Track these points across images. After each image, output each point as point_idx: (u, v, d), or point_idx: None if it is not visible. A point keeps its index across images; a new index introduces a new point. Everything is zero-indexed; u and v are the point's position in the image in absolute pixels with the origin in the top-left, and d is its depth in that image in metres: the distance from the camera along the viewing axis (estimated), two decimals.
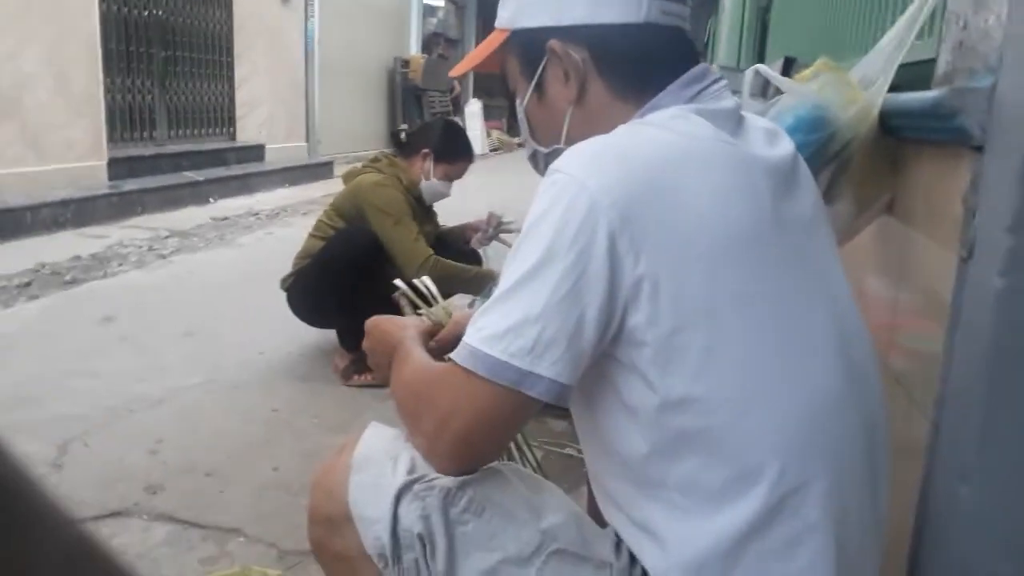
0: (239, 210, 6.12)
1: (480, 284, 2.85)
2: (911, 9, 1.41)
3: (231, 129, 8.02)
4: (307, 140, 9.00)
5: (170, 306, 3.65)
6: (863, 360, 0.94)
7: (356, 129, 10.26)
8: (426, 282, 1.46)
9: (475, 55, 1.11)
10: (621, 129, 0.92)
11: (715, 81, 0.97)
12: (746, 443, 0.83)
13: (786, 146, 0.98)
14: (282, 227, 5.71)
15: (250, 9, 7.85)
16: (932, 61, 1.45)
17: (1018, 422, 1.00)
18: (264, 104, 8.14)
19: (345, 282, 2.74)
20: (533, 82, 1.01)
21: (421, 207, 3.04)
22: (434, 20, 13.82)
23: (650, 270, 0.80)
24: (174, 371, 2.82)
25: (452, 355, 0.87)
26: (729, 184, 0.86)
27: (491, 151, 12.22)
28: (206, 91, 7.62)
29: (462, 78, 12.66)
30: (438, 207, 3.19)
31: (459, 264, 2.85)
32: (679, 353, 0.82)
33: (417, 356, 1.05)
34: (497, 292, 0.85)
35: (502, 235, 3.19)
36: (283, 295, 3.01)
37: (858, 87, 1.38)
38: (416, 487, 0.93)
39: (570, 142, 0.99)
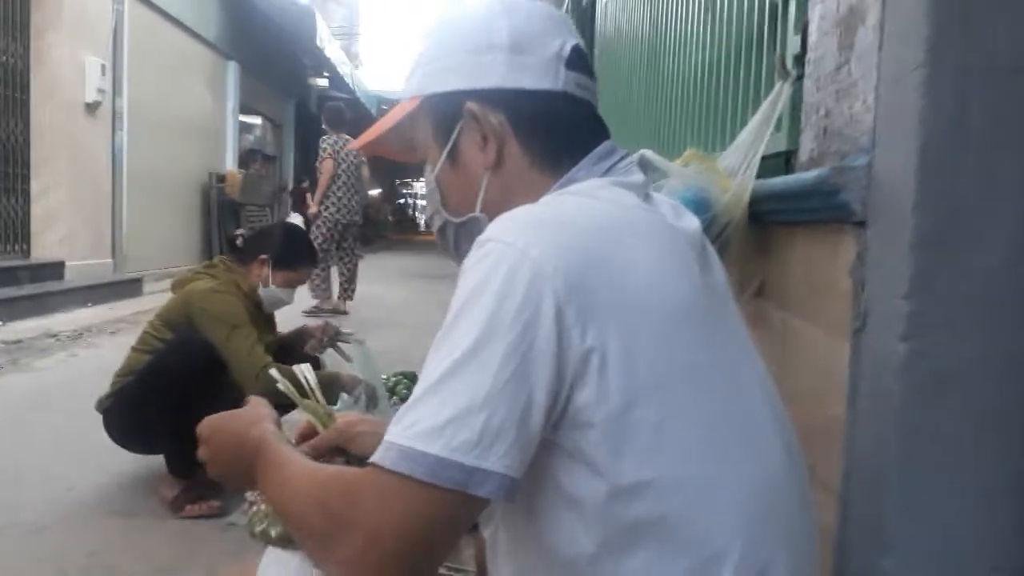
0: (34, 332, 5.48)
1: (327, 390, 2.66)
2: (765, 104, 1.50)
3: (25, 245, 7.30)
4: (113, 256, 8.35)
5: None
6: (791, 434, 0.92)
7: (168, 244, 9.69)
8: (305, 372, 1.32)
9: (379, 125, 1.05)
10: (547, 199, 0.88)
11: (623, 157, 0.96)
12: (705, 527, 0.77)
13: (692, 220, 0.97)
14: (86, 348, 5.17)
15: (50, 119, 7.32)
16: (779, 155, 1.56)
17: (936, 486, 1.01)
18: (64, 219, 7.49)
19: (177, 398, 2.45)
20: (448, 147, 0.95)
21: (261, 315, 2.85)
22: (251, 137, 13.63)
23: (598, 342, 0.74)
24: None
25: (374, 458, 0.73)
26: (665, 253, 0.83)
27: None
28: None
29: (282, 192, 12.49)
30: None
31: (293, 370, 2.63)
32: (630, 432, 0.75)
33: (299, 459, 0.89)
34: (425, 381, 0.74)
35: (340, 345, 3.04)
36: (94, 421, 2.66)
37: (725, 176, 1.44)
38: None
39: (485, 210, 0.94)
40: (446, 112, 0.95)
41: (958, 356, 0.99)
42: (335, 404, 2.63)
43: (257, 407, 1.05)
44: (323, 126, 7.43)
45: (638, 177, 0.94)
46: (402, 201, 39.04)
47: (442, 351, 0.74)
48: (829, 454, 1.18)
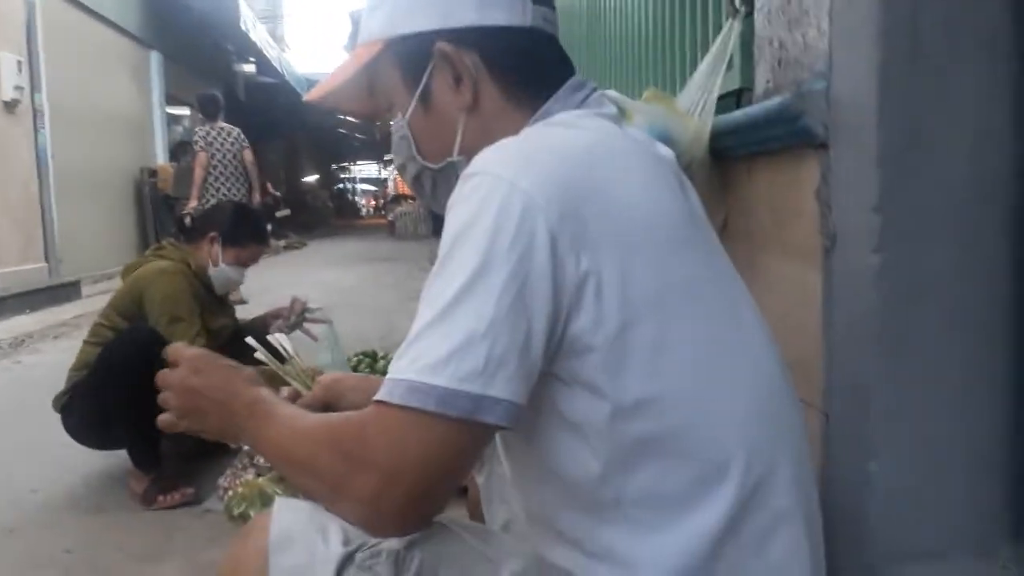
0: None
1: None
2: (717, 42, 1.52)
3: None
4: (47, 260, 8.06)
5: None
6: (778, 347, 0.94)
7: (104, 245, 9.36)
8: (281, 340, 1.31)
9: (335, 76, 1.01)
10: (530, 131, 0.88)
11: (594, 89, 0.96)
12: (709, 438, 0.78)
13: (667, 150, 0.98)
14: (30, 355, 5.00)
15: None
16: (730, 93, 1.58)
17: (915, 392, 1.05)
18: None
19: (132, 389, 2.35)
20: (418, 92, 0.94)
21: (212, 297, 2.77)
22: (180, 129, 13.25)
23: (593, 267, 0.74)
24: None
25: (380, 395, 0.73)
26: (652, 176, 0.84)
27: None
28: None
29: None
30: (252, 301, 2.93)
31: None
32: (630, 352, 0.76)
33: (300, 410, 0.88)
34: (424, 314, 0.74)
35: (306, 324, 2.98)
36: (51, 423, 2.58)
37: (686, 114, 1.46)
38: (358, 556, 0.77)
39: (463, 152, 0.93)
40: (414, 54, 0.93)
41: (931, 264, 1.03)
42: None
43: (247, 369, 1.01)
44: (199, 115, 7.23)
45: (611, 108, 0.95)
46: (340, 186, 38.49)
47: (437, 285, 0.74)
48: (808, 374, 1.21)
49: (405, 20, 0.92)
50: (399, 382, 0.72)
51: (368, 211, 39.60)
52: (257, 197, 7.28)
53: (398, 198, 22.01)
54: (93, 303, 6.98)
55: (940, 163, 1.04)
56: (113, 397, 2.40)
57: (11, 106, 7.43)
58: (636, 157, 0.85)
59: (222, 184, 6.96)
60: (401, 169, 1.04)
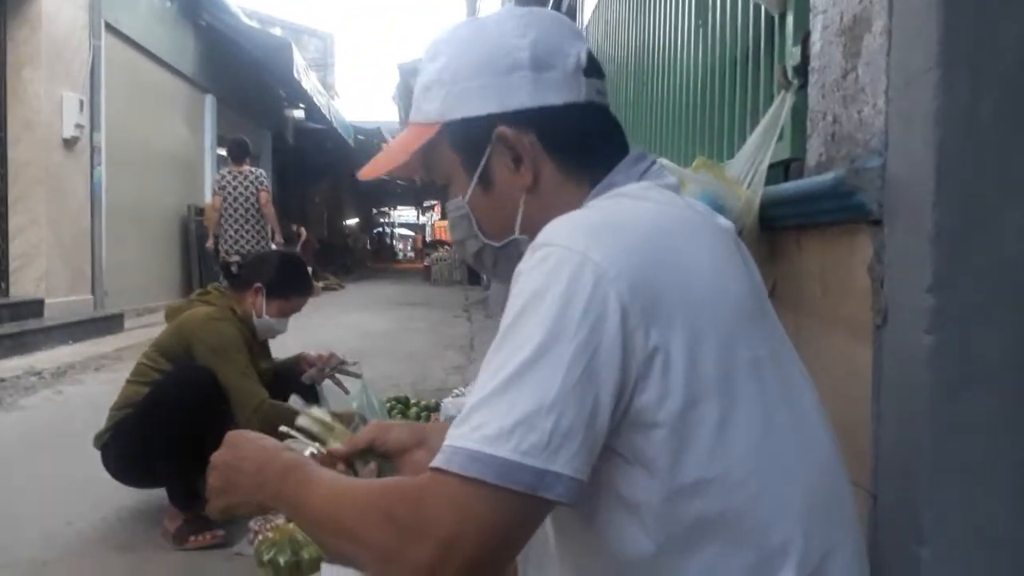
0: (16, 371, 5.38)
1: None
2: (769, 114, 1.53)
3: (3, 284, 7.21)
4: (93, 293, 8.25)
5: None
6: (831, 425, 0.93)
7: (149, 279, 9.61)
8: (322, 415, 1.31)
9: (392, 155, 1.01)
10: (599, 203, 0.88)
11: (654, 161, 0.97)
12: (769, 520, 0.77)
13: (726, 221, 0.98)
14: (72, 385, 5.09)
15: (28, 157, 7.27)
16: (778, 163, 1.59)
17: (967, 476, 1.03)
18: (43, 256, 7.41)
19: (179, 428, 2.42)
20: (477, 173, 0.94)
21: (256, 341, 2.82)
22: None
23: (662, 342, 0.74)
24: None
25: (436, 463, 0.72)
26: (717, 250, 0.84)
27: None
28: None
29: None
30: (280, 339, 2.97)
31: (294, 408, 2.58)
32: (693, 430, 0.75)
33: (343, 476, 0.88)
34: (488, 383, 0.72)
35: (338, 375, 3.01)
36: (89, 456, 2.62)
37: (736, 183, 1.47)
38: None
39: (524, 230, 0.93)
40: (472, 137, 0.93)
41: (985, 347, 1.02)
42: None
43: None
44: (227, 157, 7.51)
45: (672, 180, 0.95)
46: (379, 230, 38.99)
47: (503, 353, 0.73)
48: (856, 452, 1.19)
49: (462, 103, 0.93)
50: (459, 450, 0.70)
51: (405, 255, 40.02)
52: (279, 238, 7.44)
53: (434, 244, 22.22)
54: (135, 336, 7.12)
55: (997, 245, 1.03)
56: (159, 435, 2.44)
57: (71, 143, 7.71)
58: (702, 231, 0.85)
59: (230, 225, 7.15)
60: (460, 245, 1.03)
